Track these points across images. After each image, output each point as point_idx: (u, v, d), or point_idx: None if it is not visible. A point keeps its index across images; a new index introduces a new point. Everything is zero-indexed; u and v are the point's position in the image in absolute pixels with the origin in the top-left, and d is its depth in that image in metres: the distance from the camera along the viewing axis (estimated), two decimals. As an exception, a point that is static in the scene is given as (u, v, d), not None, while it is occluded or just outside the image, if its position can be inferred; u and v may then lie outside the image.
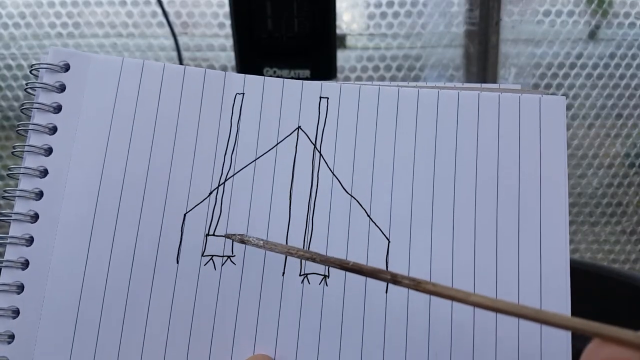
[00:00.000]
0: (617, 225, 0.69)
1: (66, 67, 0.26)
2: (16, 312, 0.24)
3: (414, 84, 0.27)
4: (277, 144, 0.26)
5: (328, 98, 0.27)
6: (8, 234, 0.24)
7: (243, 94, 0.27)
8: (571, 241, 0.70)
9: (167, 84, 0.26)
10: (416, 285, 0.19)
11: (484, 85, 0.27)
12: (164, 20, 0.58)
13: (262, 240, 0.24)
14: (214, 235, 0.25)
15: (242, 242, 0.24)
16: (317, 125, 0.26)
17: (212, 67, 0.63)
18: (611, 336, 0.15)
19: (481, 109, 0.26)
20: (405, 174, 0.26)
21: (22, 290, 0.24)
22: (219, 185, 0.26)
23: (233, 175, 0.26)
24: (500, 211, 0.25)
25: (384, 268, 0.25)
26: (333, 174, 0.26)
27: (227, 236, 0.25)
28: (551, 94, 0.26)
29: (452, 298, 0.18)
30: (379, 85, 0.27)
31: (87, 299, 0.24)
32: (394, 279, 0.19)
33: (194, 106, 0.26)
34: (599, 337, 0.15)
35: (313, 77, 0.49)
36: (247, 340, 0.25)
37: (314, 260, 0.22)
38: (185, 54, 0.61)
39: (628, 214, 0.69)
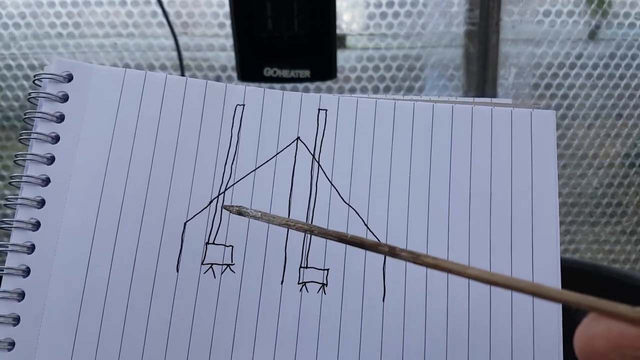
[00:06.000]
0: (617, 225, 0.70)
1: (69, 78, 0.26)
2: (17, 320, 0.24)
3: (409, 97, 0.27)
4: (277, 154, 0.27)
5: (327, 110, 0.27)
6: (9, 241, 0.24)
7: (243, 105, 0.27)
8: (571, 241, 0.70)
9: (169, 95, 0.27)
10: (415, 258, 0.19)
11: (477, 100, 0.28)
12: (164, 20, 0.57)
13: (260, 212, 0.23)
14: (214, 243, 0.26)
15: (240, 213, 0.24)
16: (316, 136, 0.27)
17: (212, 67, 0.63)
18: (607, 310, 0.15)
19: (474, 122, 0.27)
20: (402, 185, 0.26)
21: (23, 297, 0.24)
22: (219, 195, 0.26)
23: (233, 185, 0.26)
24: (493, 221, 0.26)
25: (382, 277, 0.25)
26: (331, 184, 0.26)
27: (225, 207, 0.25)
28: (542, 108, 0.27)
29: (450, 271, 0.18)
30: (376, 98, 0.27)
31: (88, 307, 0.24)
32: (392, 252, 0.19)
33: (195, 116, 0.27)
34: (595, 311, 0.15)
35: (313, 77, 0.49)
36: (246, 348, 0.25)
37: (312, 232, 0.22)
38: (185, 54, 0.61)
39: (628, 214, 0.69)
